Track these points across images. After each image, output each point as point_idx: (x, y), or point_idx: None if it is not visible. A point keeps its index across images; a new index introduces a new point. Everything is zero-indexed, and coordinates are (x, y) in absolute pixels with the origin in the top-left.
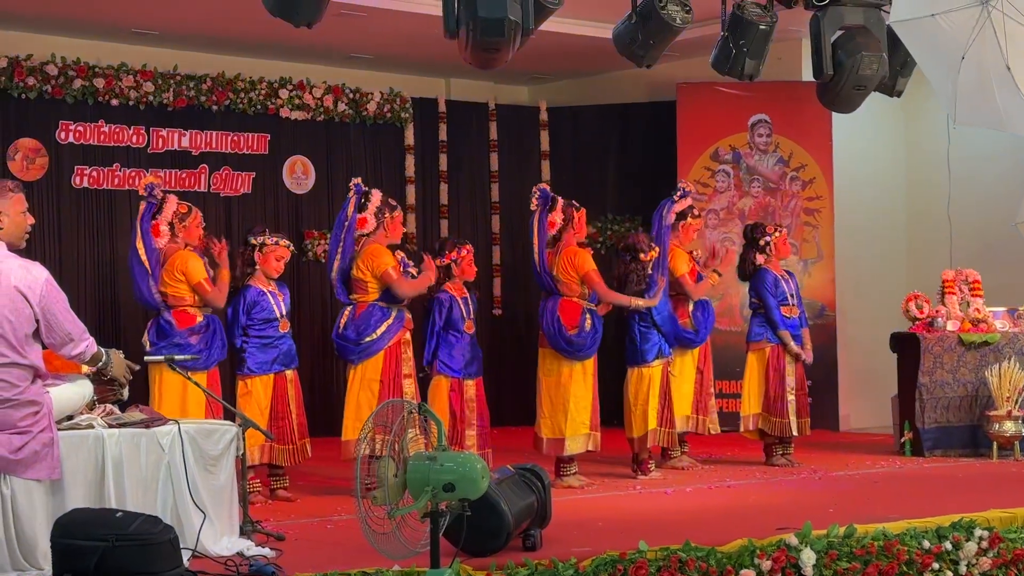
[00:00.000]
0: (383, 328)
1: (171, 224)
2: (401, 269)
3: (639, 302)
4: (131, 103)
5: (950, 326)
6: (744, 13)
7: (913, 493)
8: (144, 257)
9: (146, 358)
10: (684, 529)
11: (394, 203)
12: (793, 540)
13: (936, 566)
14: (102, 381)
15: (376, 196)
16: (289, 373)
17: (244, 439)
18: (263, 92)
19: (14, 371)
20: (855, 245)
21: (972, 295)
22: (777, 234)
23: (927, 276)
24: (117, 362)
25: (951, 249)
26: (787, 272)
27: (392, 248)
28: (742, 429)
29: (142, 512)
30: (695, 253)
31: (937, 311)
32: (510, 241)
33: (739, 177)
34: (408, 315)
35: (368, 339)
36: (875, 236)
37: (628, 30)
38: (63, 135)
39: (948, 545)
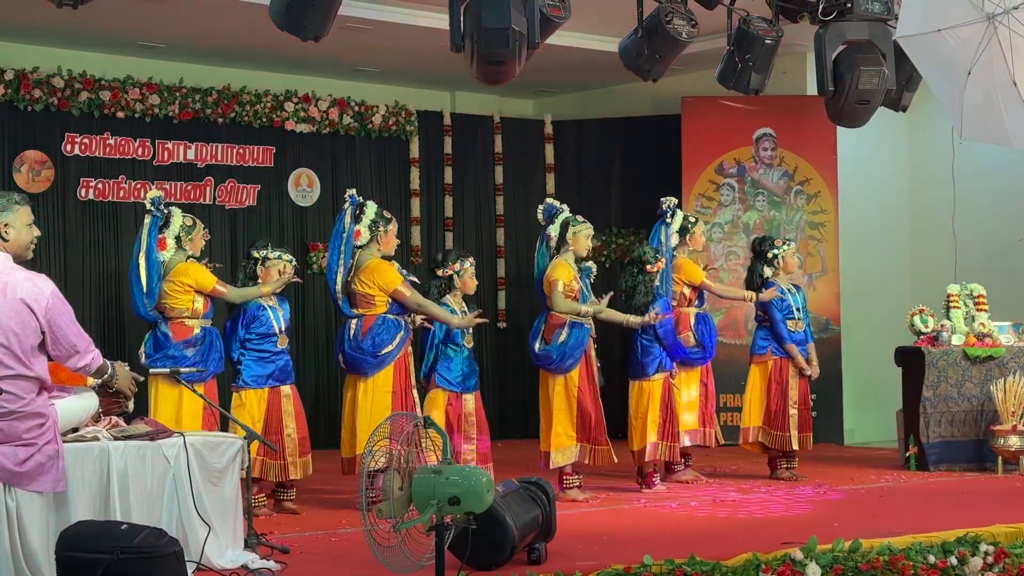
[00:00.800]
0: (398, 339)
1: (177, 237)
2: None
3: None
4: (137, 116)
5: (955, 340)
6: (750, 27)
7: (918, 508)
8: (143, 272)
9: (151, 370)
10: (689, 543)
11: (389, 216)
12: (798, 555)
13: None
14: (108, 393)
15: (371, 208)
16: (285, 388)
17: (249, 452)
18: (269, 105)
19: (20, 383)
20: (860, 259)
21: (977, 309)
22: (785, 248)
23: (932, 290)
24: (122, 374)
25: (956, 263)
26: (793, 286)
27: (388, 259)
28: (741, 441)
29: (147, 525)
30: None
31: (942, 325)
32: (515, 254)
33: (744, 191)
34: (411, 326)
35: (386, 351)
36: (880, 250)
37: (634, 44)
38: (69, 147)
39: (953, 560)
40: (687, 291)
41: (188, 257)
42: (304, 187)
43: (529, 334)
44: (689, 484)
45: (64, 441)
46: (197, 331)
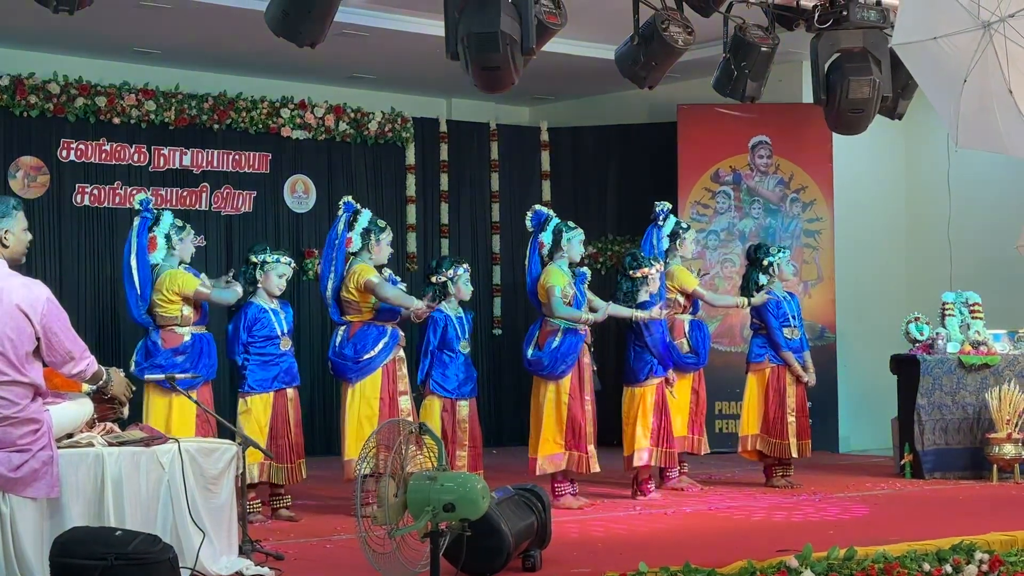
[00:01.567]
0: (380, 346)
1: (167, 236)
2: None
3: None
4: (133, 122)
5: (950, 348)
6: (746, 35)
7: (913, 515)
8: (135, 273)
9: (145, 376)
10: (684, 550)
11: (383, 224)
12: (793, 562)
13: None
14: (102, 399)
15: (364, 217)
16: (290, 392)
17: (244, 458)
18: (264, 111)
19: (14, 389)
20: (855, 267)
21: (972, 317)
22: (780, 255)
23: (927, 298)
24: (118, 380)
25: (951, 271)
26: (788, 294)
27: (378, 268)
28: (740, 449)
29: (141, 531)
30: (698, 271)
31: (937, 333)
32: (510, 261)
33: (739, 198)
34: (401, 332)
35: (366, 357)
36: (875, 258)
37: (630, 51)
38: (64, 153)
39: (948, 568)
40: (680, 298)
41: (180, 263)
42: (300, 193)
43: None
44: (683, 492)
45: (59, 447)
46: (187, 339)
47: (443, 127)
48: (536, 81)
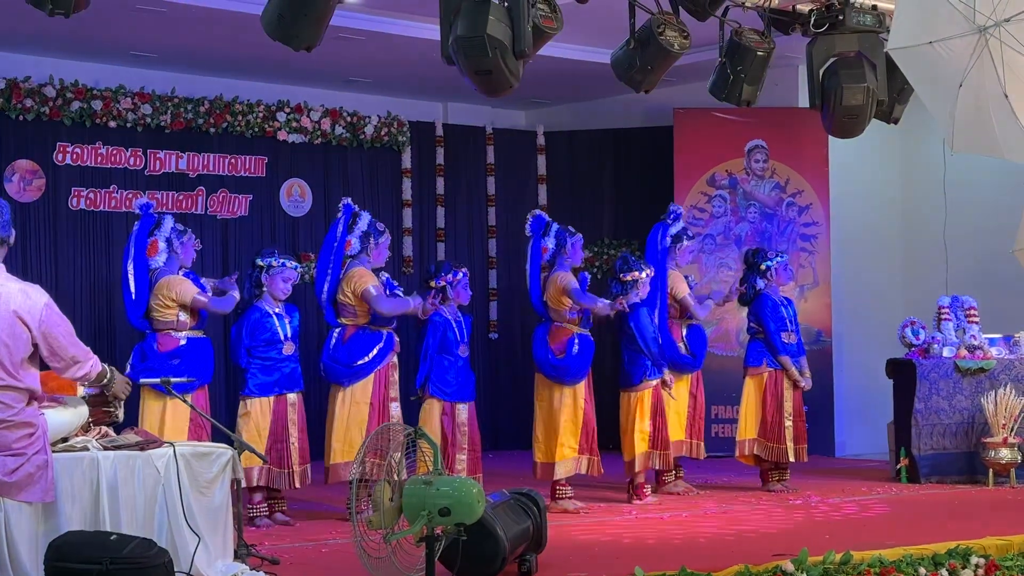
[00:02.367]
0: (375, 351)
1: (168, 240)
2: (386, 292)
3: (599, 305)
4: (129, 125)
5: (946, 352)
6: (742, 39)
7: (909, 520)
8: (132, 282)
9: (142, 380)
10: (680, 555)
11: (382, 227)
12: (789, 567)
13: None
14: (98, 403)
15: (364, 219)
16: (291, 396)
17: (239, 462)
18: (261, 115)
19: (9, 393)
20: (851, 271)
21: (968, 322)
22: (778, 259)
23: (923, 302)
24: (119, 379)
25: (947, 275)
26: (785, 299)
27: (377, 271)
28: (737, 454)
29: (136, 535)
30: (690, 278)
31: (933, 337)
32: (507, 265)
33: (736, 203)
34: (397, 338)
35: (361, 362)
36: (871, 262)
37: (626, 55)
38: (60, 157)
39: (944, 572)
40: (674, 303)
41: (180, 267)
42: (296, 197)
43: (523, 344)
44: (680, 496)
45: (54, 451)
46: (183, 342)
47: (439, 131)
48: (532, 85)
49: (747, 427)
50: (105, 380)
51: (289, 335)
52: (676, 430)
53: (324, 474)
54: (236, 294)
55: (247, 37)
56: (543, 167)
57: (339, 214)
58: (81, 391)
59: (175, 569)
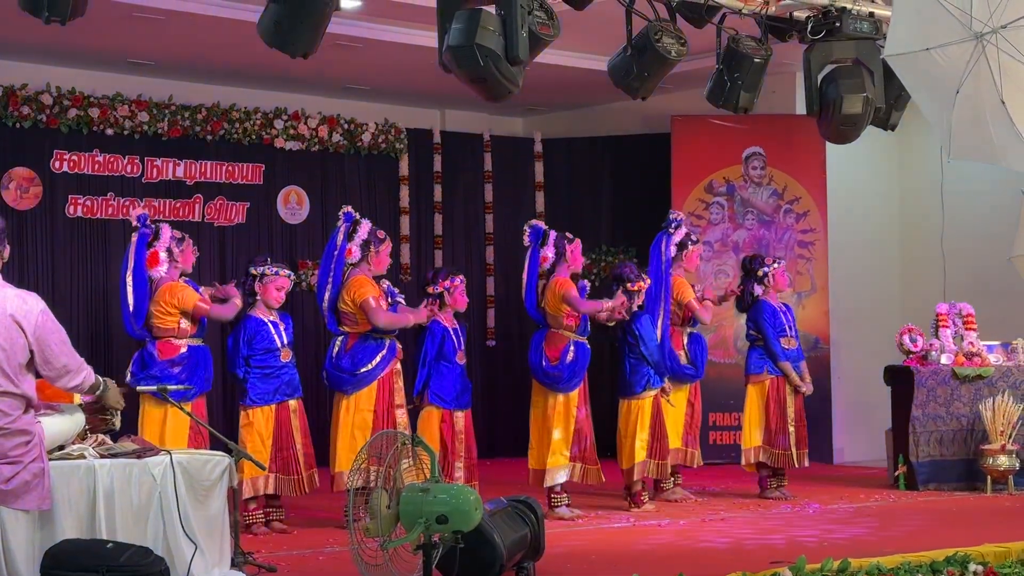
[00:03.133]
0: (378, 358)
1: (169, 250)
2: (387, 299)
3: (605, 306)
4: (126, 133)
5: (944, 359)
6: (739, 46)
7: (907, 527)
8: (130, 290)
9: (139, 388)
10: (678, 562)
11: (382, 235)
12: (787, 574)
13: None
14: (94, 411)
15: (364, 227)
16: (292, 403)
17: (236, 470)
18: (258, 122)
19: (6, 400)
20: (849, 278)
21: (966, 328)
22: (776, 266)
23: (921, 309)
24: (112, 391)
25: (945, 282)
26: (784, 304)
27: (377, 279)
28: (743, 462)
29: (133, 543)
30: (696, 287)
31: (931, 344)
32: (504, 272)
33: (733, 210)
34: (399, 345)
35: (364, 369)
36: (869, 269)
37: (623, 62)
38: (57, 164)
39: None
40: (679, 309)
41: (182, 274)
42: (293, 205)
43: (521, 351)
44: (678, 503)
45: (50, 459)
46: (183, 350)
47: (437, 138)
48: (530, 92)
49: (751, 435)
50: (98, 392)
51: (285, 342)
52: (672, 438)
53: (330, 482)
54: (238, 300)
55: (244, 45)
56: (541, 174)
57: (339, 222)
58: (78, 399)
59: None
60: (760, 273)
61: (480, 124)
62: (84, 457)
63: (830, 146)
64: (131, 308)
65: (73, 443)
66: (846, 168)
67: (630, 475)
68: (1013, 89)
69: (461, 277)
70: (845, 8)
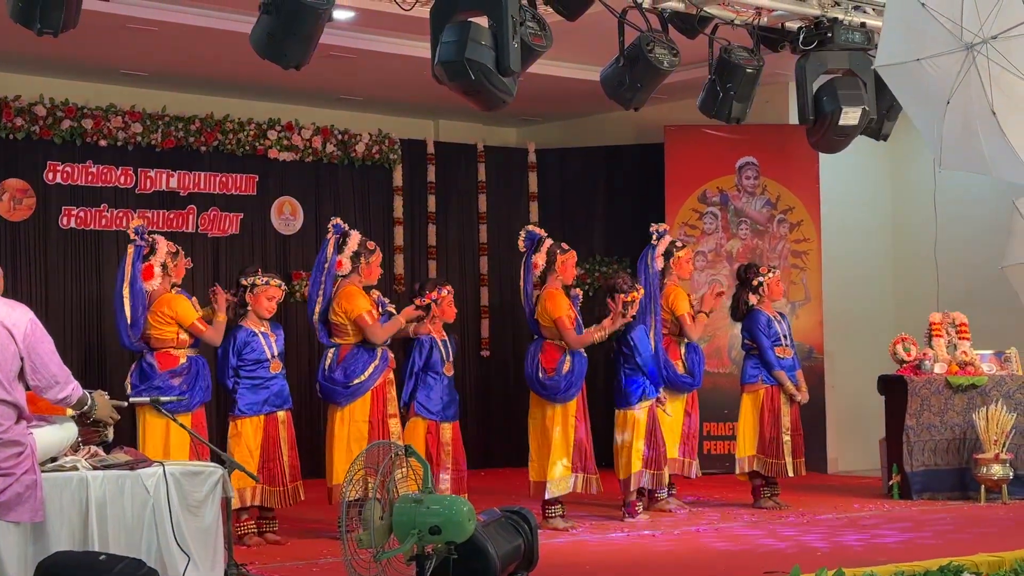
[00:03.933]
0: (371, 369)
1: (163, 264)
2: (379, 310)
3: (604, 331)
4: (119, 144)
5: (937, 369)
6: (731, 56)
7: (901, 536)
8: (127, 302)
9: (132, 399)
10: (672, 572)
11: (372, 246)
12: None
13: None
14: (87, 423)
15: (354, 239)
16: (281, 414)
17: (230, 481)
18: (252, 133)
19: (0, 408)
20: (843, 287)
21: (959, 338)
22: (770, 275)
23: (914, 318)
24: (102, 403)
25: (938, 292)
26: (779, 313)
27: (367, 289)
28: (738, 471)
29: (126, 555)
30: (692, 297)
31: (924, 354)
32: (498, 283)
33: (727, 219)
34: (391, 354)
35: (357, 381)
36: (862, 279)
37: (616, 73)
38: (51, 176)
39: None
40: (674, 320)
41: (173, 286)
42: (287, 215)
43: (515, 361)
44: (672, 513)
45: (43, 471)
46: (183, 360)
47: (430, 148)
48: (523, 102)
49: (746, 444)
50: (85, 407)
51: (276, 353)
52: (670, 448)
53: (327, 494)
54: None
55: (238, 55)
56: (534, 184)
57: (329, 234)
58: (70, 410)
59: None
60: (755, 282)
61: (474, 134)
62: (77, 469)
63: (823, 156)
64: (128, 320)
65: (66, 455)
66: (839, 178)
67: (627, 486)
68: (1003, 99)
69: (449, 288)
70: (837, 19)
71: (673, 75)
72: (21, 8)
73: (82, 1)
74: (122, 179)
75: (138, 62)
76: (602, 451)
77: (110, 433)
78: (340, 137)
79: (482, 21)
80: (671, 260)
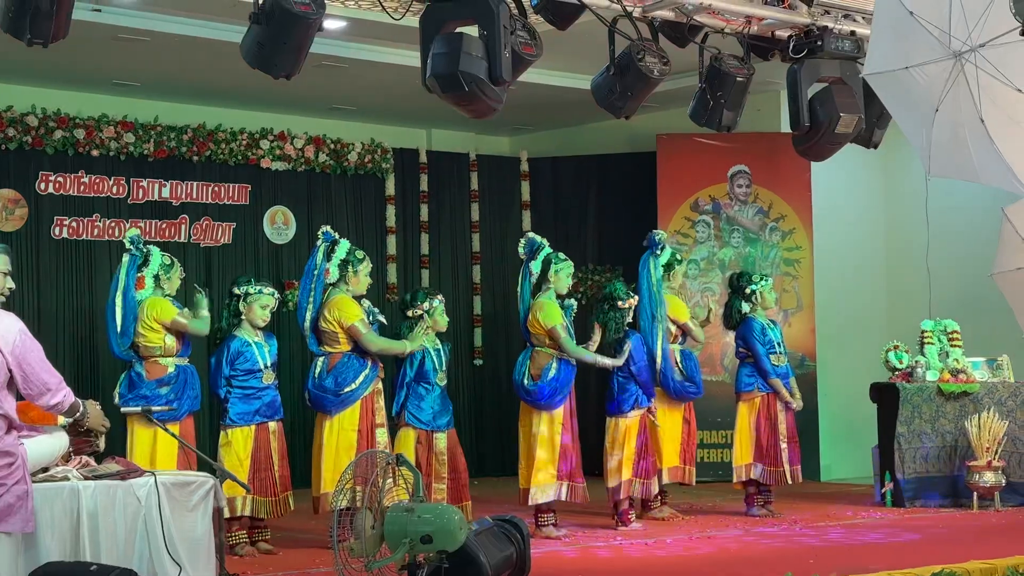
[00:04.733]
0: (361, 378)
1: (156, 276)
2: (367, 317)
3: (605, 362)
4: (111, 154)
5: (929, 376)
6: (721, 65)
7: (893, 544)
8: (119, 311)
9: (123, 409)
10: None
11: (361, 255)
12: None
13: None
14: (78, 433)
15: (342, 247)
16: (272, 425)
17: (221, 490)
18: (244, 143)
19: None
20: (835, 295)
21: (951, 345)
22: (763, 283)
23: (906, 326)
24: (94, 413)
25: (930, 299)
26: (771, 321)
27: (358, 298)
28: (735, 479)
29: (117, 565)
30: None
31: (916, 361)
32: (491, 291)
33: (719, 228)
34: (380, 364)
35: (347, 389)
36: (855, 286)
37: (606, 81)
38: (43, 186)
39: None
40: (673, 327)
41: (166, 296)
42: (280, 225)
43: (508, 370)
44: (665, 521)
45: (34, 481)
46: (171, 370)
47: (423, 158)
48: (516, 111)
49: (742, 452)
50: (78, 414)
51: (269, 363)
52: (671, 456)
53: (314, 504)
54: (206, 311)
55: (229, 65)
56: (527, 193)
57: (318, 242)
58: (62, 420)
59: None
60: (747, 291)
61: (466, 143)
62: (68, 479)
63: (815, 164)
64: (119, 328)
65: (57, 465)
66: (831, 186)
67: (615, 493)
68: (992, 107)
69: (440, 297)
70: (827, 27)
71: (664, 84)
72: (11, 19)
73: (72, 12)
74: (114, 189)
75: (130, 72)
76: (596, 459)
77: (101, 443)
78: (332, 146)
79: (471, 30)
80: (670, 272)
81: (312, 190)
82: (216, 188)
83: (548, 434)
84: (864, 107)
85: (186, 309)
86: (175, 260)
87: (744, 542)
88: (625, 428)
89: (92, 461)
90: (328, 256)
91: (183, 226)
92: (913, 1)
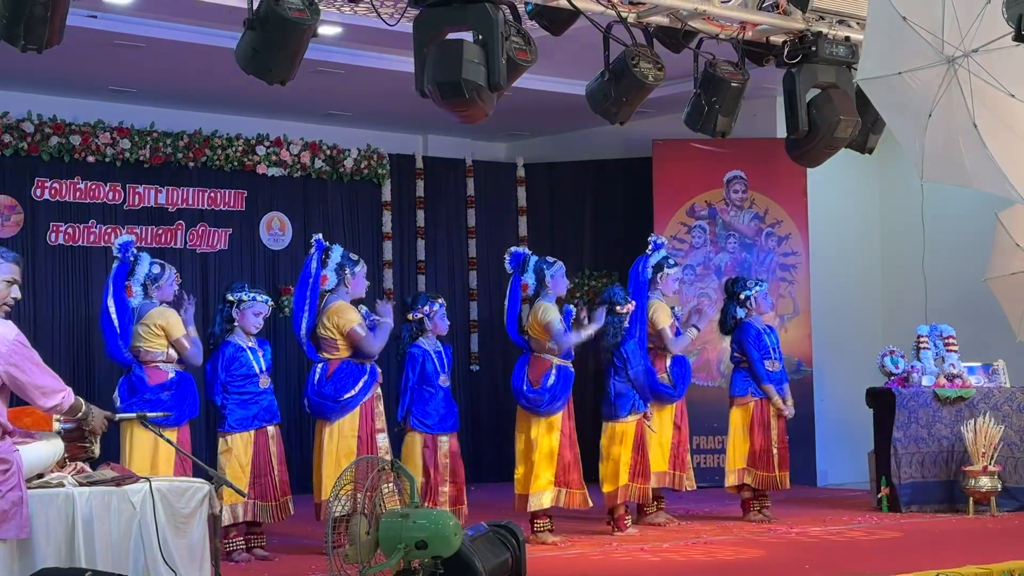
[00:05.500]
0: (361, 383)
1: (143, 285)
2: (364, 321)
3: (589, 331)
4: (107, 160)
5: (925, 381)
6: (716, 71)
7: (890, 549)
8: (114, 316)
9: (119, 415)
10: None
11: (356, 258)
12: None
13: None
14: (73, 438)
15: (336, 252)
16: (271, 429)
17: (216, 497)
18: (240, 149)
19: None
20: (831, 301)
21: (947, 350)
22: (758, 288)
23: (902, 331)
24: (96, 413)
25: (926, 304)
26: (767, 327)
27: (356, 303)
28: (727, 484)
29: (113, 572)
30: (676, 308)
31: (912, 366)
32: (487, 297)
33: (715, 233)
34: (379, 369)
35: (347, 395)
36: (851, 292)
37: (601, 87)
38: (39, 192)
39: None
40: (654, 334)
41: (161, 303)
42: (276, 231)
43: (505, 376)
44: (661, 527)
45: (28, 487)
46: (172, 375)
47: (419, 163)
48: (512, 117)
49: (735, 457)
50: (80, 413)
51: (264, 368)
52: (659, 462)
53: (316, 510)
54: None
55: (225, 71)
56: (523, 199)
57: (311, 250)
58: (56, 426)
59: None
60: (742, 296)
61: (462, 149)
62: (63, 485)
63: (811, 169)
64: (118, 329)
65: (52, 471)
66: (827, 191)
67: (612, 498)
68: (984, 112)
69: (441, 301)
70: (821, 32)
71: (659, 89)
72: (5, 25)
73: (66, 18)
74: (110, 195)
75: (126, 78)
76: (593, 465)
77: (96, 449)
78: (328, 152)
79: (465, 35)
80: (659, 275)
81: (308, 196)
82: (212, 194)
83: (546, 440)
84: (859, 113)
85: (192, 327)
86: (166, 266)
87: (740, 548)
88: (622, 433)
89: (87, 467)
90: (322, 263)
91: (179, 232)
92: (906, 7)
